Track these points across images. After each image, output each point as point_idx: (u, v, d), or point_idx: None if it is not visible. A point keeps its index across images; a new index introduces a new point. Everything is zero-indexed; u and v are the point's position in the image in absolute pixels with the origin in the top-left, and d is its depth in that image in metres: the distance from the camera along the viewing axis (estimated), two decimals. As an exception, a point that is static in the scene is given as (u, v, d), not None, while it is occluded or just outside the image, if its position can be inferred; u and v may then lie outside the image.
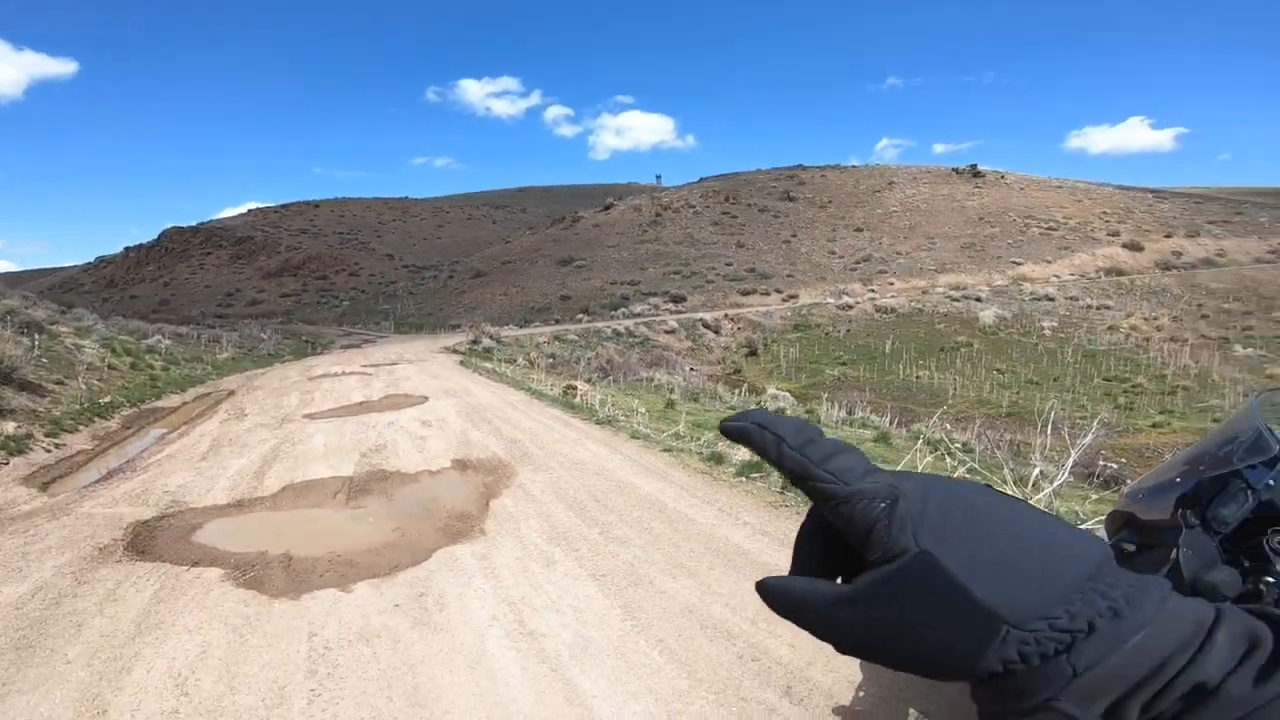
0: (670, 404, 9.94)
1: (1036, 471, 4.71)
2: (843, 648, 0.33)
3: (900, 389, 22.69)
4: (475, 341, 19.28)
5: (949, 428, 10.85)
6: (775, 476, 4.79)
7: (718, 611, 3.01)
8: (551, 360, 16.26)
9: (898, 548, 0.31)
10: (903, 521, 0.31)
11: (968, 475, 4.76)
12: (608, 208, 64.79)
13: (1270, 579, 1.29)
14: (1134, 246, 45.34)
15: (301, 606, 3.17)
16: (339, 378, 12.24)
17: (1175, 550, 1.47)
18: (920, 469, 4.58)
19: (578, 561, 3.61)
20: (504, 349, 18.44)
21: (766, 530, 3.96)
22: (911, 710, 2.24)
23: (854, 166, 73.35)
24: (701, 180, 72.32)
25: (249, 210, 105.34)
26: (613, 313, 35.79)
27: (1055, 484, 4.45)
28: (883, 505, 0.32)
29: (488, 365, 13.91)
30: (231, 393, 10.79)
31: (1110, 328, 31.55)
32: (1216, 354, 26.69)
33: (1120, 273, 41.48)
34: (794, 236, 52.71)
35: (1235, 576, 1.40)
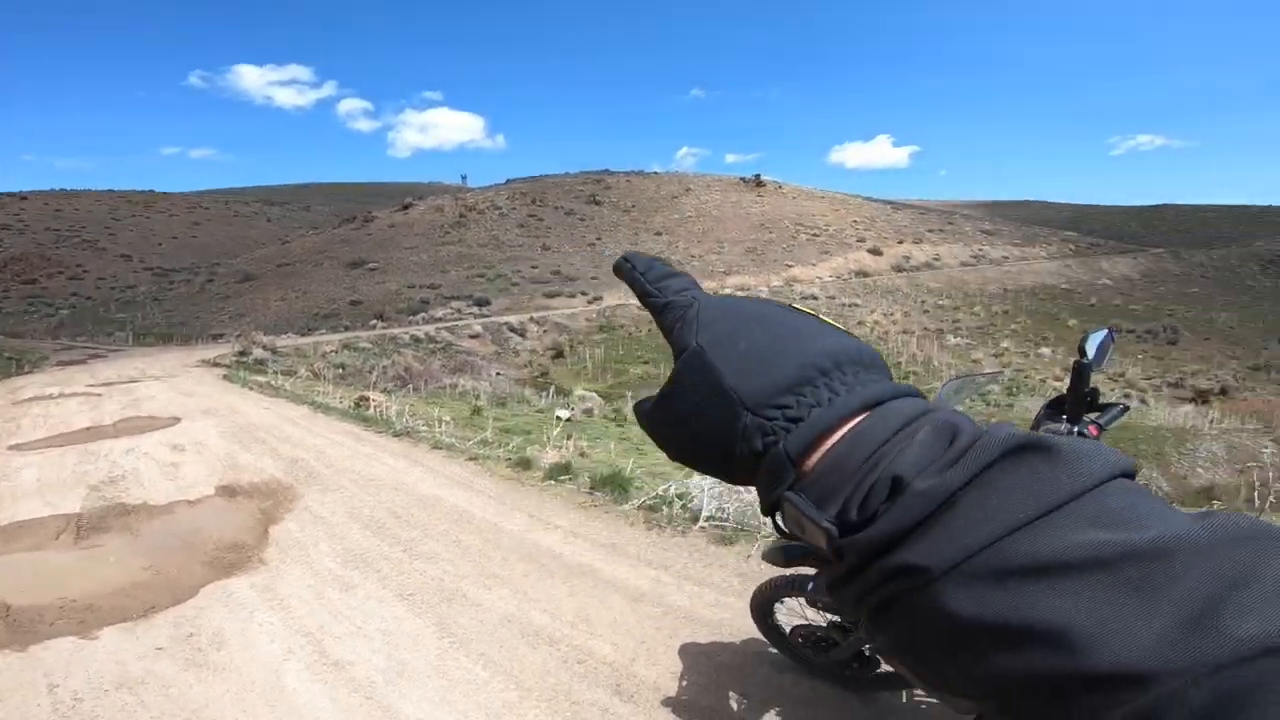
0: (476, 410, 9.64)
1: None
2: (667, 449, 0.37)
3: (697, 383, 24.39)
4: (244, 353, 16.93)
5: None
6: (584, 478, 4.87)
7: (537, 618, 2.99)
8: (340, 371, 14.88)
9: (683, 344, 0.36)
10: (691, 323, 0.37)
11: None
12: (406, 207, 61.00)
13: None
14: (876, 251, 53.68)
15: (32, 658, 2.67)
16: (56, 400, 9.98)
17: None
18: None
19: (381, 583, 3.38)
20: (281, 360, 16.46)
21: (578, 532, 3.98)
22: (731, 692, 2.40)
23: (656, 173, 77.32)
24: (509, 181, 71.30)
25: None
26: (411, 318, 33.76)
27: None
28: (681, 311, 0.38)
29: (260, 379, 12.28)
30: (-115, 429, 8.26)
31: (860, 323, 37.07)
32: (935, 343, 32.67)
33: (866, 274, 48.87)
34: (599, 239, 54.12)
35: None
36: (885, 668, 2.18)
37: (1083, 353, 1.41)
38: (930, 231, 61.02)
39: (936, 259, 53.09)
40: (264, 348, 18.00)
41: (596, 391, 17.38)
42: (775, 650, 2.53)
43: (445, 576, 3.44)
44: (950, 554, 0.26)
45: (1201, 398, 24.31)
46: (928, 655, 0.28)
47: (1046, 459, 0.27)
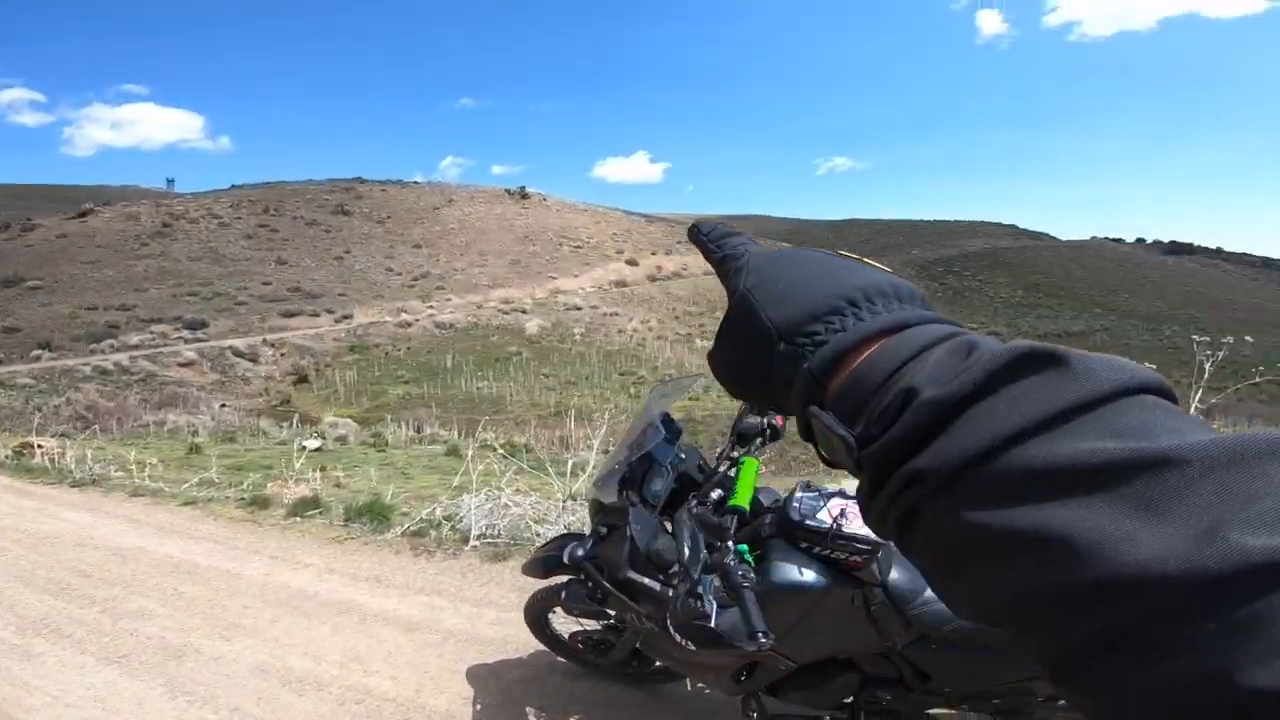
0: (194, 449, 8.14)
1: (571, 463, 5.07)
2: (726, 386, 0.42)
3: (464, 401, 23.58)
4: None
5: (493, 434, 11.73)
6: (336, 511, 4.40)
7: (298, 664, 2.67)
8: (-14, 416, 11.47)
9: (734, 289, 0.40)
10: (741, 271, 0.41)
11: (516, 476, 4.95)
12: (85, 214, 49.44)
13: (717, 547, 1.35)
14: (632, 262, 57.45)
15: None
16: None
17: (629, 527, 1.68)
18: (477, 473, 4.74)
19: (77, 648, 2.84)
20: (-116, 409, 12.17)
21: (334, 568, 3.62)
22: (528, 707, 2.35)
23: (416, 183, 73.41)
24: (234, 188, 61.83)
25: None
26: (94, 345, 27.45)
27: (589, 470, 4.69)
28: (734, 262, 0.43)
29: None
30: None
31: (620, 331, 39.32)
32: (685, 347, 35.96)
33: (624, 284, 52.01)
34: (347, 253, 49.61)
35: (671, 543, 1.65)
36: (659, 663, 2.26)
37: None
38: (679, 243, 67.10)
39: (685, 268, 58.58)
40: None
41: (351, 417, 15.82)
42: (562, 659, 2.53)
43: (166, 633, 2.97)
44: (956, 459, 0.26)
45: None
46: (950, 574, 0.28)
47: (1056, 368, 0.27)
